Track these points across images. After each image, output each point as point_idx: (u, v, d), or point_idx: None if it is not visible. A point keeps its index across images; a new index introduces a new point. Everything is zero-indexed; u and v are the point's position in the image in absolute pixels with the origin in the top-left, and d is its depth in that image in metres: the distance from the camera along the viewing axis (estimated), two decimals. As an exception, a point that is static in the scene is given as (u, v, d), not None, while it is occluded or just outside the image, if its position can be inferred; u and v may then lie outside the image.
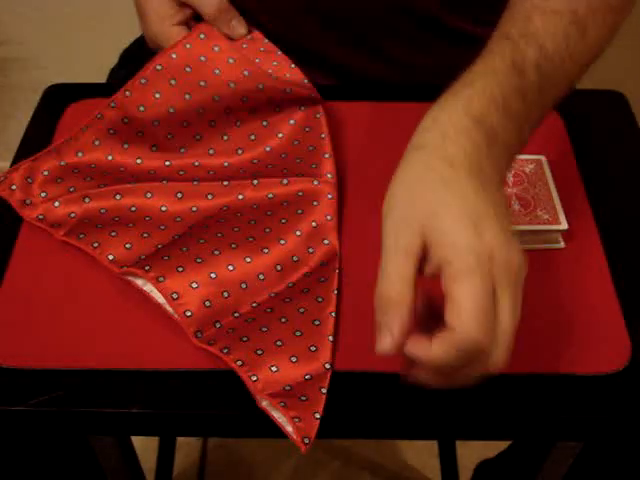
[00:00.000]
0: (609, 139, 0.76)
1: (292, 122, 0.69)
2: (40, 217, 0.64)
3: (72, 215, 0.63)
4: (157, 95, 0.68)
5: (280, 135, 0.69)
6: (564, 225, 0.64)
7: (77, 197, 0.64)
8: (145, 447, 1.18)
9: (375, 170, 0.69)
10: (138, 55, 0.82)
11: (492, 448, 1.03)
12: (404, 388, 0.56)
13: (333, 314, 0.59)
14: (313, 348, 0.56)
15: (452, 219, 0.49)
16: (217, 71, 0.68)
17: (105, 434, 0.77)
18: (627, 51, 1.52)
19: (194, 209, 0.63)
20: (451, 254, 0.48)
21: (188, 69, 0.68)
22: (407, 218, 0.51)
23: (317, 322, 0.58)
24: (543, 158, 0.69)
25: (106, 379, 0.56)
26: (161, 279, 0.58)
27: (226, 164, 0.67)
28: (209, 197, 0.64)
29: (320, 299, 0.59)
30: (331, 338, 0.57)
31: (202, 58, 0.68)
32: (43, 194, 0.65)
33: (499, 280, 0.48)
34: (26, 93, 1.45)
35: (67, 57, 1.48)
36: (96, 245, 0.62)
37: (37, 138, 0.73)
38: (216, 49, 0.69)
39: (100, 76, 0.93)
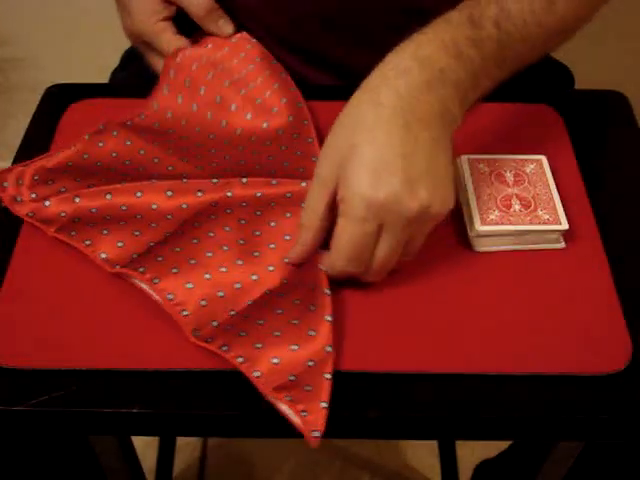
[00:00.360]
0: (609, 139, 0.76)
1: (280, 132, 0.70)
2: (30, 214, 0.64)
3: (62, 214, 0.63)
4: (155, 105, 0.73)
5: (268, 143, 0.70)
6: (565, 225, 0.64)
7: (67, 197, 0.64)
8: (145, 447, 1.18)
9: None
10: (139, 55, 0.82)
11: (492, 448, 1.03)
12: (404, 388, 0.56)
13: (327, 291, 0.59)
14: (312, 332, 0.57)
15: (358, 164, 0.56)
16: (202, 90, 0.73)
17: (105, 434, 0.77)
18: (627, 51, 1.52)
19: (184, 206, 0.63)
20: (346, 196, 0.56)
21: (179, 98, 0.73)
22: (330, 153, 0.58)
23: (312, 307, 0.58)
24: (543, 158, 0.69)
25: (106, 379, 0.56)
26: (156, 280, 0.59)
27: (214, 164, 0.68)
28: (198, 194, 0.64)
29: (313, 287, 0.60)
30: (329, 317, 0.57)
31: (186, 83, 0.74)
32: (33, 195, 0.65)
33: (386, 224, 0.56)
34: (26, 93, 1.45)
35: (67, 57, 1.48)
36: (88, 243, 0.62)
37: (37, 138, 0.73)
38: (187, 81, 0.74)
39: (100, 76, 0.93)
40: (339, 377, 0.56)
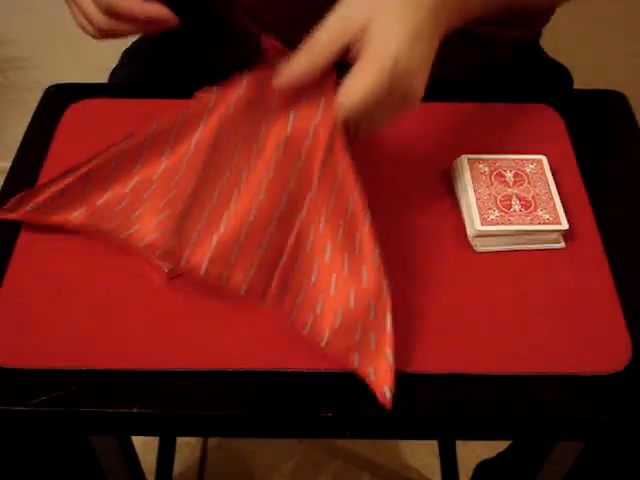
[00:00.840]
0: (609, 139, 0.76)
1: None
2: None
3: (75, 214, 0.63)
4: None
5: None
6: (565, 225, 0.64)
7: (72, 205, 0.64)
8: (145, 447, 1.18)
9: (382, 169, 0.69)
10: (139, 55, 0.82)
11: (492, 448, 1.03)
12: (404, 388, 0.56)
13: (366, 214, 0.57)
14: (364, 272, 0.56)
15: (398, 21, 0.56)
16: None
17: (105, 434, 0.77)
18: (627, 51, 1.52)
19: (191, 147, 0.62)
20: (378, 44, 0.56)
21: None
22: (352, 15, 0.57)
23: (356, 239, 0.57)
24: (544, 158, 0.69)
25: (106, 379, 0.56)
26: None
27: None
28: (192, 147, 0.62)
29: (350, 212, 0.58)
30: (377, 250, 0.57)
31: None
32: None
33: (394, 94, 0.56)
34: (26, 93, 1.45)
35: (67, 57, 1.48)
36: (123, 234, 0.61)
37: (37, 138, 0.73)
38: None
39: (100, 76, 0.93)
40: (339, 377, 0.56)
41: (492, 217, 0.64)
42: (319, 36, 0.57)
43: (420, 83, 0.58)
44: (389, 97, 0.57)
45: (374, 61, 0.56)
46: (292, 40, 0.78)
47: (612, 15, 1.49)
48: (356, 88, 0.56)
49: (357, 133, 0.59)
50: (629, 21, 1.50)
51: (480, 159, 0.68)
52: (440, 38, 0.61)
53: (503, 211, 0.64)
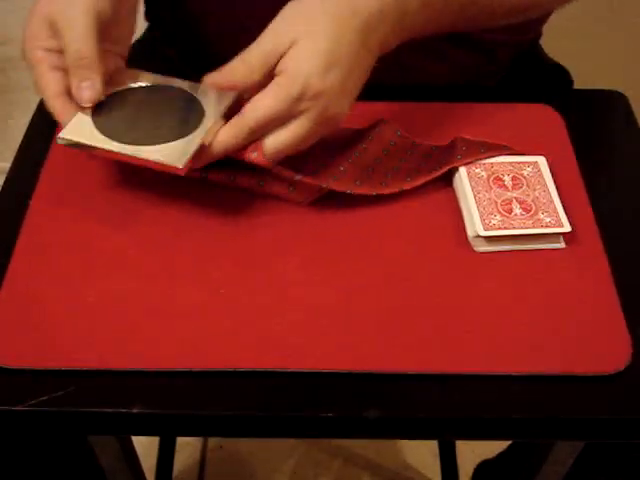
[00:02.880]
0: (609, 139, 0.76)
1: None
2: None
3: None
4: None
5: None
6: (567, 228, 0.63)
7: None
8: (145, 447, 1.18)
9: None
10: (139, 55, 0.82)
11: (492, 448, 1.03)
12: (404, 388, 0.56)
13: None
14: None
15: (312, 45, 0.58)
16: None
17: (105, 434, 0.77)
18: (627, 51, 1.52)
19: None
20: (291, 71, 0.58)
21: None
22: (285, 26, 0.60)
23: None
24: (541, 159, 0.68)
25: (106, 379, 0.56)
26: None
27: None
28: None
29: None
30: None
31: None
32: None
33: (309, 112, 0.59)
34: (26, 93, 1.45)
35: (67, 57, 1.47)
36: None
37: (38, 137, 0.73)
38: None
39: (100, 76, 0.93)
40: (339, 377, 0.56)
41: (494, 222, 0.63)
42: (254, 49, 0.60)
43: (339, 106, 0.60)
44: (298, 120, 0.59)
45: (284, 84, 0.58)
46: None
47: (612, 15, 1.49)
48: (262, 103, 0.59)
49: (263, 149, 0.61)
50: (629, 21, 1.50)
51: (476, 163, 0.68)
52: (377, 51, 0.62)
53: (504, 215, 0.64)
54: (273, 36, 0.60)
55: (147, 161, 0.60)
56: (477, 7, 0.68)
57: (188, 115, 0.63)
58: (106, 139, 0.61)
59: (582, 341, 0.58)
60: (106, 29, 0.64)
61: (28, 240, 0.64)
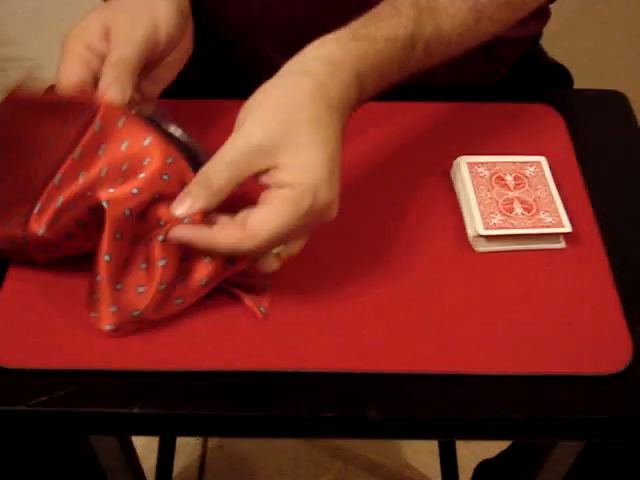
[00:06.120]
0: (609, 139, 0.76)
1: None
2: None
3: None
4: None
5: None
6: (568, 228, 0.63)
7: None
8: (145, 447, 1.18)
9: (381, 169, 0.69)
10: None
11: (492, 448, 1.03)
12: (404, 388, 0.56)
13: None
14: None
15: (317, 154, 0.54)
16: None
17: (105, 434, 0.77)
18: (627, 51, 1.52)
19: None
20: (299, 182, 0.53)
21: None
22: (271, 123, 0.54)
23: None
24: (543, 160, 0.68)
25: (106, 379, 0.56)
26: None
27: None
28: None
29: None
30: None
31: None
32: None
33: (309, 225, 0.55)
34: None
35: (67, 57, 1.48)
36: None
37: (37, 138, 0.73)
38: None
39: (100, 76, 0.93)
40: (339, 377, 0.56)
41: (495, 221, 0.63)
42: (225, 168, 0.54)
43: (336, 205, 0.56)
44: (303, 228, 0.55)
45: (289, 201, 0.53)
46: (287, 44, 0.78)
47: (612, 15, 1.49)
48: (267, 226, 0.53)
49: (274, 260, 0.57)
50: (629, 21, 1.50)
51: (478, 162, 0.68)
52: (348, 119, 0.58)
53: (505, 215, 0.64)
54: (248, 152, 0.54)
55: None
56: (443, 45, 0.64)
57: None
58: None
59: (582, 341, 0.58)
60: (151, 65, 0.64)
61: (28, 240, 0.64)
